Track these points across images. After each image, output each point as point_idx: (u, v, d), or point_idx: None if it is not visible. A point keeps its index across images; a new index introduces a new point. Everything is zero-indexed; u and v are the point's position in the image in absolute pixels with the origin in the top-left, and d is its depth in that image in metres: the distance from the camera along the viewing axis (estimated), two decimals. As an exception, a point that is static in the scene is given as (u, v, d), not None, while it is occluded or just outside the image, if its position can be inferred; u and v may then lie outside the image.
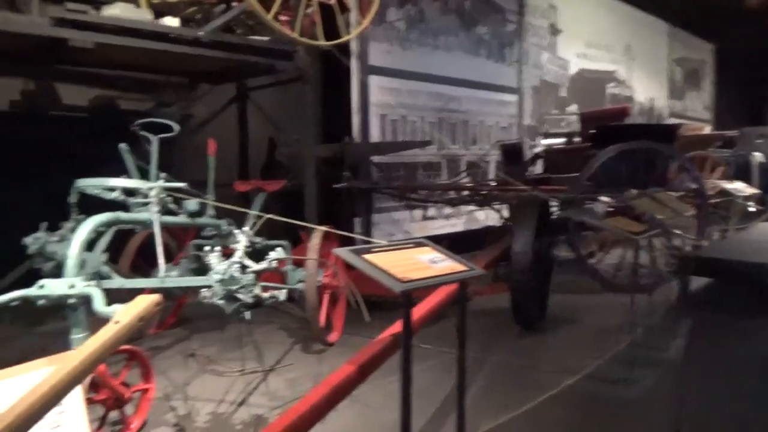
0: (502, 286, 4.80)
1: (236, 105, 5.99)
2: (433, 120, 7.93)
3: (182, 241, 4.79)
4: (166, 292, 3.59)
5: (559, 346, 4.38)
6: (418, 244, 2.56)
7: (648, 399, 3.49)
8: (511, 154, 7.19)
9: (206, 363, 4.00)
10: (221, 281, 2.68)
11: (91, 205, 3.34)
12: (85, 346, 2.10)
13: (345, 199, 6.33)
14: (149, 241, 4.59)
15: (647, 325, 4.59)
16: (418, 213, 7.71)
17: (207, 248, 2.90)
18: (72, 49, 3.73)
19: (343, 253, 2.23)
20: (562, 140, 8.13)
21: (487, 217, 6.89)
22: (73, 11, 3.44)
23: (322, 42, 4.86)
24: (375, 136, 7.07)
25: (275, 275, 5.06)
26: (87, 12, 3.51)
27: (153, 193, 3.10)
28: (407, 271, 2.23)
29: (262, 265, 2.82)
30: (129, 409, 3.03)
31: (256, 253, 4.80)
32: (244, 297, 2.74)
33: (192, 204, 3.74)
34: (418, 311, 2.66)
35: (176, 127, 3.42)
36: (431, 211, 7.81)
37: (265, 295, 2.81)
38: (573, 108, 10.68)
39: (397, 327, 2.48)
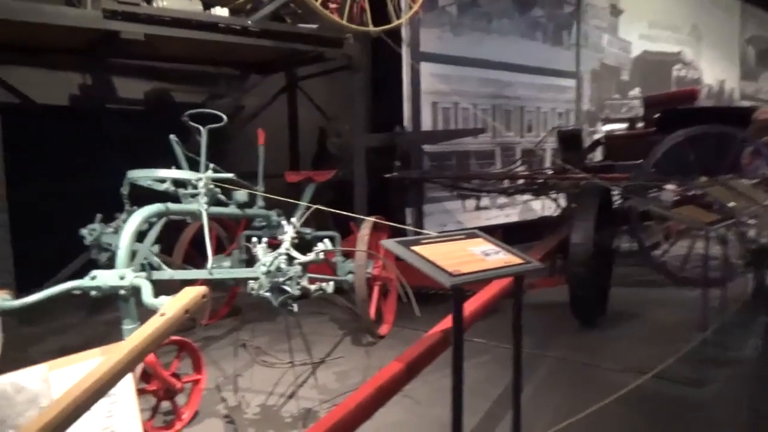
0: (560, 279, 4.58)
1: (286, 95, 5.96)
2: (487, 107, 7.70)
3: (234, 232, 4.82)
4: (217, 283, 3.62)
5: (622, 344, 4.13)
6: (471, 236, 2.42)
7: (720, 401, 3.24)
8: (569, 141, 6.89)
9: (257, 354, 4.00)
10: (267, 273, 2.63)
11: (145, 196, 3.37)
12: (131, 339, 2.09)
13: (396, 189, 6.23)
14: (202, 232, 4.67)
15: (718, 322, 4.27)
16: (470, 203, 7.52)
17: (254, 240, 2.86)
18: (125, 42, 3.77)
19: (391, 244, 2.12)
20: (623, 126, 7.73)
21: (544, 207, 6.64)
22: (125, 3, 3.46)
23: (371, 28, 4.75)
24: (426, 124, 6.93)
25: (325, 266, 5.03)
26: (139, 4, 3.53)
27: (201, 184, 3.09)
28: (458, 263, 2.10)
29: (309, 256, 2.75)
30: (180, 399, 3.05)
31: (305, 245, 4.80)
32: (291, 289, 2.68)
33: (241, 195, 3.72)
34: (470, 306, 2.53)
35: (224, 117, 3.39)
36: (484, 201, 7.60)
37: (312, 287, 2.75)
38: (636, 92, 10.17)
39: (447, 322, 2.36)
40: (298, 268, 2.70)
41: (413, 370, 2.07)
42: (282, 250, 2.76)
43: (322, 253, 2.77)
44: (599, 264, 4.50)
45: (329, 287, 2.78)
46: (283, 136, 6.07)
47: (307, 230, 4.70)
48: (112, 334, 3.19)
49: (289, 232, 2.84)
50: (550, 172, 6.96)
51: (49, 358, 2.73)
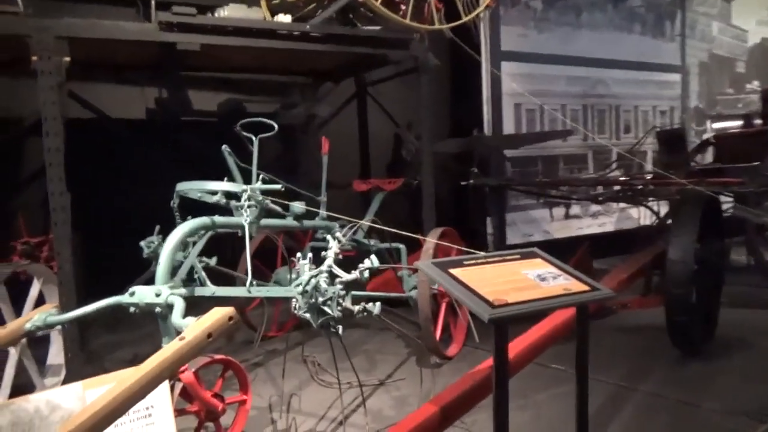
0: (656, 299, 4.01)
1: (357, 101, 5.80)
2: (576, 107, 7.11)
3: (302, 244, 4.71)
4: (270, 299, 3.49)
5: (731, 379, 3.51)
6: (528, 255, 2.07)
7: None
8: (671, 142, 6.17)
9: (316, 371, 3.82)
10: (303, 293, 2.42)
11: (204, 209, 3.29)
12: (146, 364, 1.95)
13: (474, 197, 5.85)
14: (268, 244, 4.61)
15: None
16: (559, 211, 6.97)
17: (299, 255, 2.68)
18: (188, 54, 3.76)
19: (426, 266, 1.83)
20: (737, 123, 6.84)
21: (643, 215, 5.98)
22: (180, 14, 3.43)
23: (437, 25, 4.46)
24: (508, 127, 6.49)
25: (394, 281, 4.79)
26: (194, 15, 3.49)
27: (244, 196, 2.95)
28: (505, 290, 1.77)
29: (352, 275, 2.51)
30: (229, 420, 2.93)
31: (379, 256, 4.58)
32: (331, 310, 2.45)
33: (297, 206, 3.56)
34: (526, 340, 2.16)
35: (275, 126, 3.25)
36: (575, 209, 7.02)
37: (356, 307, 2.50)
38: (754, 85, 9.04)
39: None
40: (338, 287, 2.47)
41: (449, 415, 1.76)
42: (324, 267, 2.54)
43: (366, 271, 2.52)
44: (704, 283, 3.89)
45: (375, 308, 2.52)
46: (355, 144, 5.90)
47: (371, 242, 4.48)
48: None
49: (333, 248, 2.62)
50: (648, 177, 6.27)
51: (119, 367, 2.71)
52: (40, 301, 3.52)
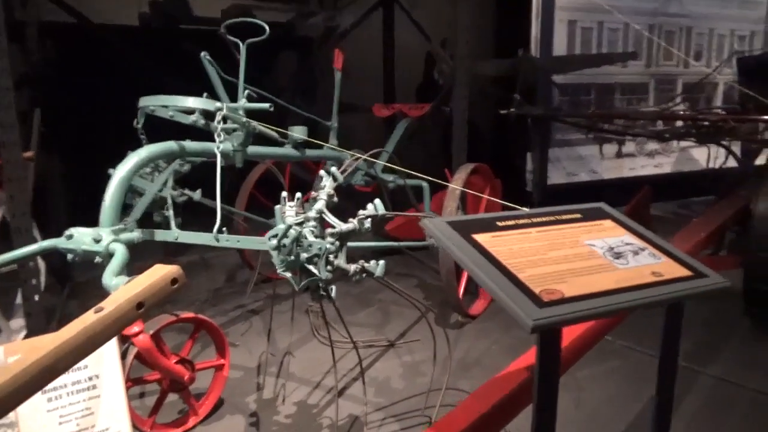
0: (731, 260, 3.30)
1: (383, 11, 4.97)
2: (642, 27, 6.09)
3: (314, 176, 4.10)
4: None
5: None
6: (592, 215, 1.41)
7: None
8: (756, 72, 5.20)
9: (319, 326, 3.30)
10: (278, 248, 1.83)
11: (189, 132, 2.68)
12: (43, 344, 1.41)
13: (514, 128, 5.09)
14: (269, 174, 4.01)
15: None
16: (610, 148, 6.15)
17: (284, 194, 2.07)
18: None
19: (436, 227, 1.20)
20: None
21: (712, 157, 5.14)
22: None
23: None
24: (559, 48, 5.59)
25: (414, 223, 4.17)
26: None
27: (218, 115, 2.31)
28: (560, 274, 1.13)
29: (348, 224, 1.90)
30: (203, 385, 2.45)
31: (400, 194, 3.96)
32: (318, 271, 1.87)
33: (299, 132, 2.92)
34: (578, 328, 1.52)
35: (266, 28, 2.56)
36: (629, 147, 6.18)
37: (352, 266, 1.91)
38: None
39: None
40: (330, 241, 1.86)
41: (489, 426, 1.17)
42: (312, 213, 1.92)
43: (367, 219, 1.90)
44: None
45: (378, 268, 1.92)
46: (379, 62, 5.14)
47: (390, 177, 3.84)
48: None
49: (326, 187, 1.99)
50: (722, 112, 5.36)
51: None
52: (5, 231, 3.06)
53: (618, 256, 1.22)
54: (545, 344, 1.04)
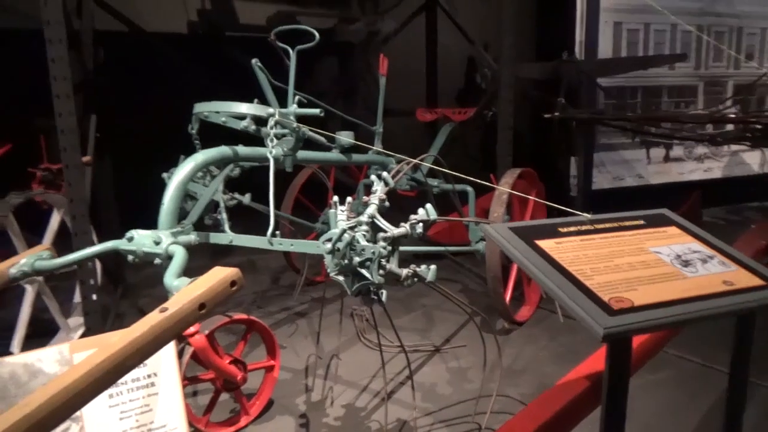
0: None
1: (426, 15, 4.98)
2: (690, 28, 5.94)
3: (358, 180, 4.13)
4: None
5: None
6: (655, 221, 1.39)
7: None
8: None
9: (365, 329, 3.32)
10: (332, 252, 1.86)
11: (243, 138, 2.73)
12: (115, 339, 1.47)
13: (558, 132, 5.02)
14: (315, 178, 4.06)
15: None
16: (658, 152, 6.00)
17: (335, 199, 2.09)
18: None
19: (498, 232, 1.20)
20: None
21: (766, 161, 4.96)
22: None
23: None
24: (605, 51, 5.50)
25: (460, 228, 4.15)
26: None
27: (270, 121, 2.35)
28: (628, 282, 1.12)
29: (400, 229, 1.91)
30: (254, 386, 2.49)
31: (443, 199, 3.95)
32: (371, 275, 1.88)
33: (346, 137, 2.95)
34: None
35: (316, 34, 2.59)
36: (677, 151, 6.02)
37: (404, 271, 1.92)
38: None
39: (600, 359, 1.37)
40: (381, 245, 1.87)
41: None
42: (363, 218, 1.94)
43: (419, 224, 1.91)
44: None
45: (429, 273, 1.92)
46: (421, 67, 5.14)
47: (435, 182, 3.84)
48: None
49: (377, 192, 2.01)
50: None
51: (156, 304, 2.30)
52: (65, 233, 3.18)
53: (686, 264, 1.20)
54: (615, 353, 1.03)
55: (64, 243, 2.87)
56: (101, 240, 2.30)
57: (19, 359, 1.95)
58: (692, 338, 2.70)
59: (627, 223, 1.35)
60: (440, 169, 2.59)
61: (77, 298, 3.40)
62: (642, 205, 1.48)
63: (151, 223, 2.15)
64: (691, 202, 3.80)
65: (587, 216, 1.34)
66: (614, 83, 5.61)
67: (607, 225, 1.33)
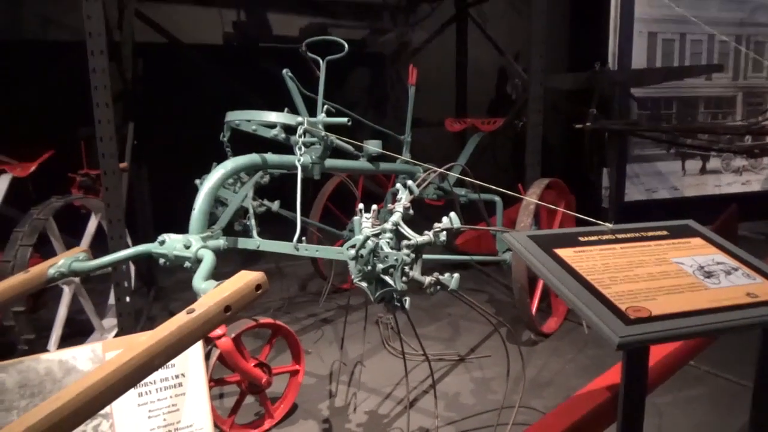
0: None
1: (456, 26, 5.00)
2: (728, 38, 5.82)
3: (386, 189, 4.17)
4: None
5: None
6: (679, 232, 1.37)
7: None
8: None
9: (389, 337, 3.34)
10: (356, 258, 1.88)
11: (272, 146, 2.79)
12: (144, 339, 1.52)
13: (590, 143, 4.96)
14: (343, 186, 4.11)
15: None
16: (694, 165, 5.87)
17: (360, 207, 2.13)
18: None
19: (518, 241, 1.20)
20: None
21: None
22: None
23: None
24: (639, 61, 5.42)
25: (487, 237, 4.14)
26: None
27: (300, 129, 2.40)
28: (647, 291, 1.11)
29: (424, 237, 1.93)
30: (278, 390, 2.53)
31: (471, 209, 3.95)
32: (394, 282, 1.90)
33: (374, 146, 2.98)
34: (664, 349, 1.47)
35: (345, 45, 2.65)
36: (714, 163, 5.88)
37: (427, 279, 1.93)
38: None
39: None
40: (405, 252, 1.89)
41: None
42: (388, 225, 1.97)
43: (443, 232, 1.92)
44: None
45: (453, 281, 1.93)
46: (451, 77, 5.16)
47: (462, 191, 3.84)
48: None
49: (402, 200, 2.03)
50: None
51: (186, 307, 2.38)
52: (102, 236, 3.29)
53: (709, 275, 1.18)
54: (631, 363, 1.02)
55: (100, 246, 2.98)
56: (135, 244, 2.37)
57: (54, 356, 2.03)
58: (726, 355, 2.63)
59: (650, 234, 1.34)
60: (467, 179, 2.59)
61: (112, 300, 3.51)
62: (675, 217, 1.46)
63: (184, 228, 2.22)
64: (728, 216, 3.70)
65: (608, 225, 1.33)
66: (648, 94, 5.52)
67: (629, 235, 1.32)
